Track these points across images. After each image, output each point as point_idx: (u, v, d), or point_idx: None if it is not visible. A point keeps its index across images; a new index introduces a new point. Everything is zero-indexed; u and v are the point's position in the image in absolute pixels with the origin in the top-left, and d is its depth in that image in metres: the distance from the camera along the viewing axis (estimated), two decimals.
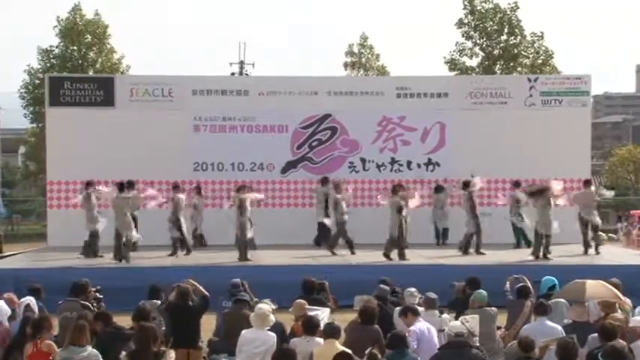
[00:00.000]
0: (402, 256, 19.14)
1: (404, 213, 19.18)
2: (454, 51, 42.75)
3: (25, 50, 77.55)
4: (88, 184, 20.35)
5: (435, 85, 24.88)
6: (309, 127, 24.48)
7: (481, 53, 42.46)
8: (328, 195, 21.40)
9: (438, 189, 23.08)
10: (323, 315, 10.91)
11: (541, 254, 19.30)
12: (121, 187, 19.54)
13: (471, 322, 9.66)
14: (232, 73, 51.73)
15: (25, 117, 45.94)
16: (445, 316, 11.59)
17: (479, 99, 24.53)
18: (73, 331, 9.15)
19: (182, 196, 20.59)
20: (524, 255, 19.73)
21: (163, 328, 11.34)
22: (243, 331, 10.18)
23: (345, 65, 48.99)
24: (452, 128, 24.40)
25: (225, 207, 20.72)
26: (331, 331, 9.63)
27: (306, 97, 24.34)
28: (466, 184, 20.68)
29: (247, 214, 19.33)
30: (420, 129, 24.55)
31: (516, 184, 21.99)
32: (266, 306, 10.59)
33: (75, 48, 43.00)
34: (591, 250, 20.49)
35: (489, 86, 24.94)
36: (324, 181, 22.50)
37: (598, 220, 20.86)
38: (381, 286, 12.89)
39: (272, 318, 10.32)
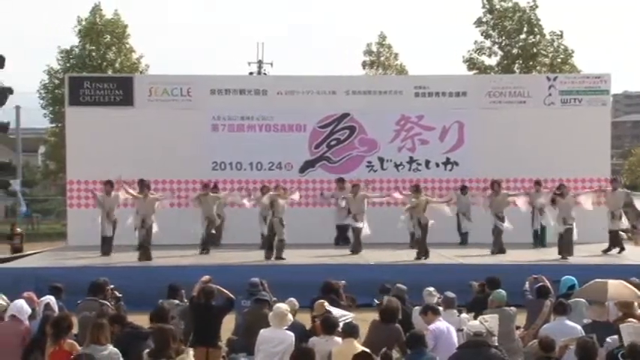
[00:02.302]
0: (424, 254, 19.23)
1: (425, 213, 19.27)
2: (473, 50, 42.57)
3: (45, 50, 77.99)
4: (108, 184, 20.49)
5: (454, 84, 24.82)
6: (327, 126, 24.48)
7: (500, 52, 42.24)
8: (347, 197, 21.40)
9: (464, 189, 22.92)
10: (346, 318, 10.87)
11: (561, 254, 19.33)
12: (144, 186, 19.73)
13: (490, 321, 9.63)
14: (250, 73, 51.79)
15: (45, 117, 46.11)
16: (464, 315, 11.57)
17: (497, 98, 24.45)
18: (93, 330, 9.19)
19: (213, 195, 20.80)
20: (543, 255, 19.64)
21: (182, 327, 11.39)
22: (262, 331, 10.20)
23: (364, 64, 48.90)
24: (470, 127, 24.34)
25: (247, 206, 20.77)
26: (350, 331, 9.63)
27: (324, 97, 24.34)
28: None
29: (281, 214, 19.52)
30: (438, 128, 24.51)
31: (537, 184, 21.91)
32: (284, 305, 10.61)
33: (94, 48, 43.16)
34: (615, 250, 20.47)
35: (508, 85, 24.86)
36: (341, 182, 22.42)
37: (624, 221, 20.78)
38: (399, 285, 12.89)
39: (290, 317, 10.34)
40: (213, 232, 20.93)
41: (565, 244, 19.47)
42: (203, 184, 21.37)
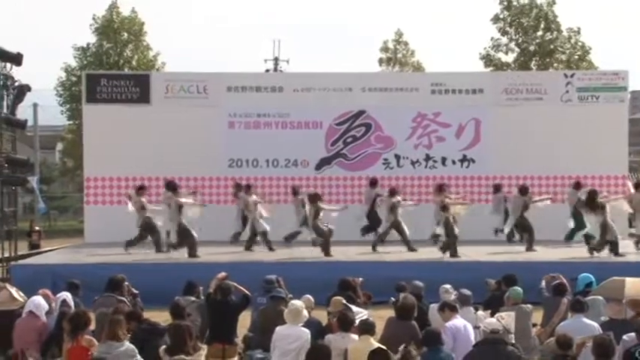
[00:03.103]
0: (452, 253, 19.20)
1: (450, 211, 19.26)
2: (489, 47, 42.52)
3: (62, 48, 78.26)
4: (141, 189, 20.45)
5: (470, 81, 24.74)
6: (343, 123, 24.47)
7: (517, 49, 42.14)
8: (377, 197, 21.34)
9: (497, 188, 22.76)
10: (362, 315, 10.87)
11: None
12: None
13: (506, 319, 9.59)
14: (267, 70, 51.91)
15: (62, 114, 46.38)
16: (480, 312, 11.54)
17: (514, 95, 24.36)
18: (109, 326, 9.23)
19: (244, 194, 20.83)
20: (561, 253, 19.56)
21: (198, 323, 11.42)
22: (278, 328, 10.22)
23: (380, 61, 48.94)
24: (487, 124, 24.27)
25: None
26: (366, 328, 9.62)
27: (340, 94, 24.31)
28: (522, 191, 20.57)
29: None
30: (454, 125, 24.44)
31: (577, 185, 21.66)
32: (299, 302, 10.63)
33: (111, 45, 43.33)
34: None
35: (525, 82, 24.75)
36: (374, 183, 22.31)
37: None
38: (415, 282, 12.88)
39: (305, 314, 10.35)
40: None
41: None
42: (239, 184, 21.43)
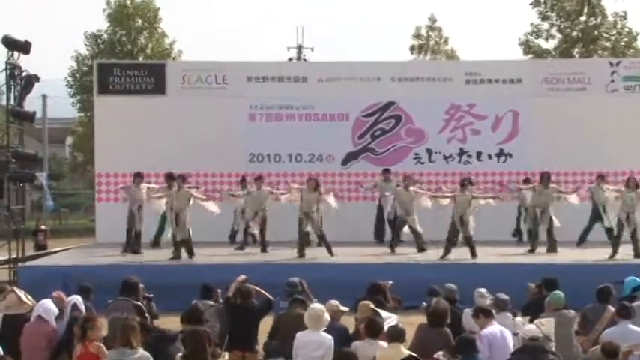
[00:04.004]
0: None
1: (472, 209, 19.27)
2: (529, 33, 42.35)
3: (72, 35, 78.73)
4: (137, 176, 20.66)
5: (508, 70, 24.65)
6: (371, 115, 24.45)
7: (558, 35, 41.93)
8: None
9: (527, 182, 22.63)
10: (391, 320, 10.85)
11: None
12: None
13: (546, 325, 9.55)
14: (290, 59, 51.95)
15: (73, 106, 46.66)
16: (518, 319, 11.49)
17: (555, 85, 24.25)
18: (123, 332, 9.26)
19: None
20: (603, 253, 19.45)
21: (217, 329, 11.44)
22: (298, 334, 10.19)
23: (412, 49, 48.91)
24: (526, 116, 24.17)
25: (282, 201, 20.71)
26: (396, 334, 9.59)
27: (368, 84, 24.30)
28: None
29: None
30: (491, 117, 24.37)
31: (603, 179, 21.59)
32: (319, 305, 10.59)
33: (124, 33, 43.49)
34: None
35: (567, 71, 24.65)
36: (387, 173, 22.35)
37: None
38: (449, 285, 12.84)
39: (327, 317, 10.30)
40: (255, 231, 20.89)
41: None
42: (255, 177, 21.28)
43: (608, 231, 20.57)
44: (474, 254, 19.12)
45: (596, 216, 21.20)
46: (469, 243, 19.24)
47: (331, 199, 20.21)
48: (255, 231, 20.50)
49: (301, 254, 19.46)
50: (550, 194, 20.34)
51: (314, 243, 20.31)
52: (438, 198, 20.17)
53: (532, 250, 20.24)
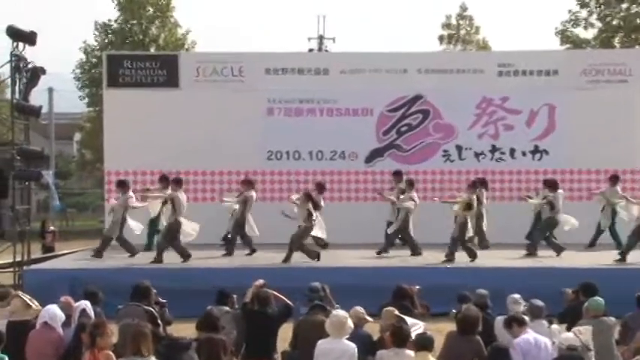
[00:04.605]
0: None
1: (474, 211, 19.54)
2: (566, 21, 42.14)
3: (81, 25, 78.98)
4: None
5: (544, 61, 24.53)
6: (397, 110, 24.42)
7: (598, 24, 41.71)
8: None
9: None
10: (417, 328, 10.86)
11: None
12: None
13: (585, 333, 9.54)
14: (310, 50, 51.98)
15: (81, 100, 46.84)
16: (554, 326, 11.47)
17: (595, 77, 24.13)
18: (134, 340, 9.30)
19: (253, 194, 20.71)
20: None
21: (233, 336, 11.48)
22: (319, 342, 10.21)
23: (441, 39, 48.85)
24: (563, 111, 24.07)
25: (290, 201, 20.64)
26: (424, 343, 9.61)
27: (394, 76, 24.24)
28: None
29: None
30: (525, 112, 24.28)
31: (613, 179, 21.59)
32: (342, 312, 10.62)
33: (135, 22, 43.65)
34: None
35: (607, 62, 24.52)
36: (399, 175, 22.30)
37: None
38: (480, 290, 12.83)
39: (350, 324, 10.33)
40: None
41: None
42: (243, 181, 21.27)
43: None
44: (450, 258, 19.15)
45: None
46: (453, 245, 19.28)
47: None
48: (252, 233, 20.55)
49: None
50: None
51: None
52: (449, 202, 20.22)
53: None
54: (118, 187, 20.60)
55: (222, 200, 21.26)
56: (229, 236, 20.85)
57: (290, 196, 20.75)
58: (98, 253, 20.11)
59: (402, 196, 20.61)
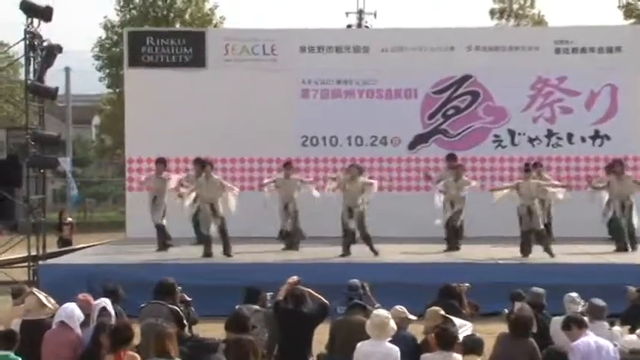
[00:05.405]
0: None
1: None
2: None
3: (100, 0, 79.18)
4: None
5: (605, 38, 24.38)
6: (443, 91, 24.37)
7: None
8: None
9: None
10: (465, 329, 10.84)
11: None
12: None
13: None
14: (349, 26, 51.87)
15: (100, 80, 47.13)
16: (616, 328, 11.41)
17: None
18: (158, 340, 9.34)
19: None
20: None
21: (265, 337, 11.50)
22: (359, 344, 10.21)
23: (492, 13, 48.61)
24: (626, 92, 23.94)
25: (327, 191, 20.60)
26: (472, 345, 9.59)
27: (440, 54, 24.21)
28: None
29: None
30: (584, 93, 24.16)
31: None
32: (384, 312, 10.60)
33: None
34: None
35: None
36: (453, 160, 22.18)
37: None
38: (535, 289, 12.77)
39: (393, 326, 10.33)
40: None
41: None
42: (284, 163, 21.30)
43: None
44: (549, 252, 18.98)
45: None
46: (540, 240, 19.12)
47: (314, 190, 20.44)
48: (287, 227, 20.55)
49: (346, 253, 19.48)
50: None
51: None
52: (496, 190, 20.11)
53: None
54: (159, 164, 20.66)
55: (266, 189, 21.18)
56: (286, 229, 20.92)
57: (325, 185, 20.75)
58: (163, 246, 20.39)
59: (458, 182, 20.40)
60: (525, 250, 19.02)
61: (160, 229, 20.58)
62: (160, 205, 20.43)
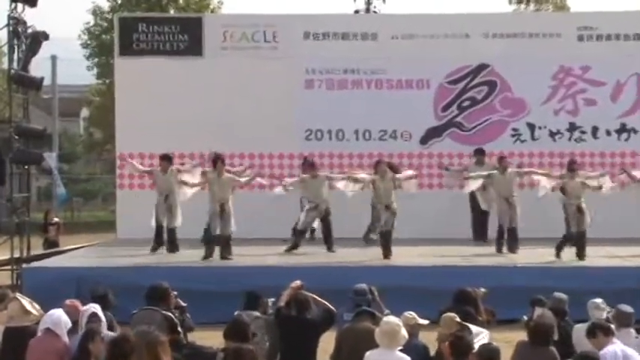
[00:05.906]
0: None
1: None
2: None
3: None
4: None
5: (632, 24, 24.39)
6: (458, 81, 24.38)
7: None
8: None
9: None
10: (481, 337, 10.85)
11: None
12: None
13: None
14: (356, 11, 51.81)
15: (89, 70, 47.20)
16: None
17: None
18: (150, 349, 9.35)
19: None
20: None
21: (266, 346, 11.51)
22: (367, 354, 10.20)
23: None
24: None
25: (340, 187, 20.59)
26: (488, 354, 9.58)
27: (454, 42, 24.22)
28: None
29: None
30: (610, 84, 24.17)
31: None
32: (395, 319, 10.59)
33: None
34: None
35: None
36: (480, 155, 22.25)
37: None
38: (557, 294, 12.78)
39: (404, 334, 10.33)
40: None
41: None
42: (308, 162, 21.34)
43: None
44: (581, 255, 18.98)
45: None
46: (579, 240, 19.11)
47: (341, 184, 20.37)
48: (315, 226, 20.60)
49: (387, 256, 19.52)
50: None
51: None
52: (470, 179, 20.40)
53: None
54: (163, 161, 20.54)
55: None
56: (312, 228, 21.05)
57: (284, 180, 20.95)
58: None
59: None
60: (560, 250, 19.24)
61: (171, 233, 20.44)
62: (174, 205, 20.28)
